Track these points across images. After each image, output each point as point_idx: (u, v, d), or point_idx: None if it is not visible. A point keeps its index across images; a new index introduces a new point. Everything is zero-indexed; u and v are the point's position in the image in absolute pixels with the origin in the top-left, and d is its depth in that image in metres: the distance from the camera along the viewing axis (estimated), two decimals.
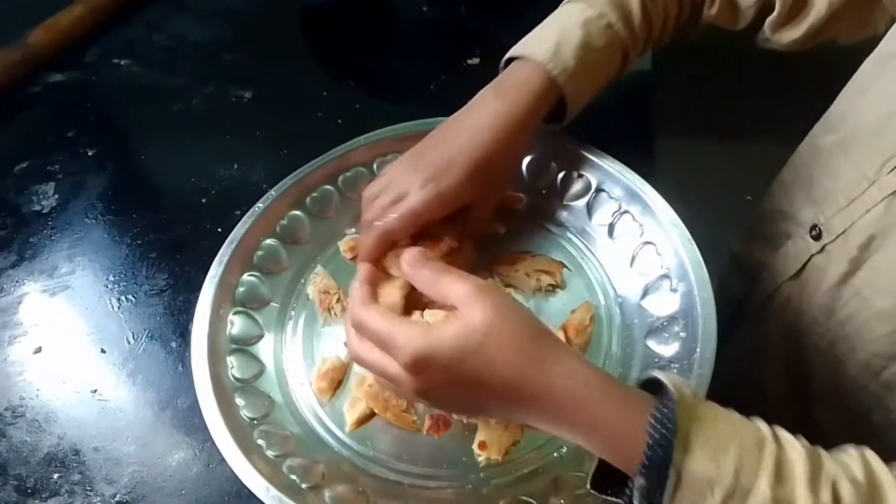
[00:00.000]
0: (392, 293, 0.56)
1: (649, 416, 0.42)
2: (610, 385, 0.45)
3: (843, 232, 0.60)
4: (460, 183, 0.60)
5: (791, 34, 0.70)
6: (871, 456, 0.42)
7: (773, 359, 0.72)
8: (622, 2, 0.67)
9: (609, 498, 0.47)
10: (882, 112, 0.57)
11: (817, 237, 0.64)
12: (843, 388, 0.63)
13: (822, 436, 0.43)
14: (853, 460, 0.42)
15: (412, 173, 0.60)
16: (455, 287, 0.47)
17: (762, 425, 0.43)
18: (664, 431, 0.40)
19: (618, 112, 0.86)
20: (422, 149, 0.63)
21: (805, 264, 0.66)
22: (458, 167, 0.60)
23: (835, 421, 0.66)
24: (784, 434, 0.42)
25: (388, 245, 0.59)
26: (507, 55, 0.67)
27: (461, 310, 0.46)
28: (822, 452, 0.42)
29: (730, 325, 0.79)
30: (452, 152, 0.61)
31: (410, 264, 0.51)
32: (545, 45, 0.64)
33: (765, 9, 0.71)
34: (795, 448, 0.41)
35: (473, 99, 0.65)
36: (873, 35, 0.66)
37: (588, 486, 0.47)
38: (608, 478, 0.46)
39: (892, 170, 0.55)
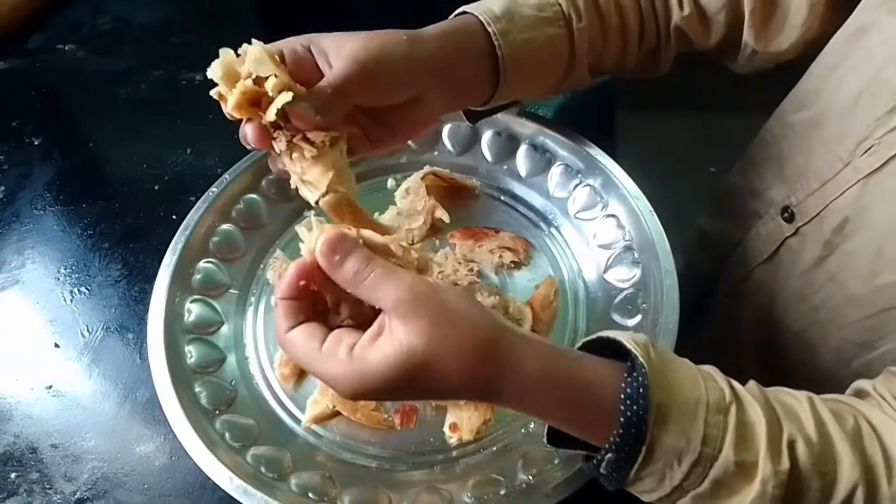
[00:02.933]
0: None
1: (621, 393, 0.41)
2: (576, 370, 0.43)
3: (818, 214, 0.59)
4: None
5: (778, 41, 0.64)
6: (820, 406, 0.43)
7: (746, 342, 0.72)
8: None
9: (569, 451, 0.47)
10: (854, 91, 0.55)
11: (789, 219, 0.62)
12: (816, 375, 0.63)
13: None
14: (804, 413, 0.42)
15: None
16: (386, 292, 0.40)
17: (720, 381, 0.43)
18: (636, 409, 0.40)
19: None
20: None
21: (778, 247, 0.65)
22: None
23: None
24: (742, 392, 0.43)
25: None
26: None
27: (394, 322, 0.40)
28: (777, 408, 0.42)
29: (700, 305, 0.79)
30: None
31: (325, 254, 0.41)
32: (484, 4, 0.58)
33: (735, 19, 0.65)
34: (755, 409, 0.41)
35: None
36: None
37: (545, 441, 0.47)
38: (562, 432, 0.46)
39: (865, 151, 0.53)
